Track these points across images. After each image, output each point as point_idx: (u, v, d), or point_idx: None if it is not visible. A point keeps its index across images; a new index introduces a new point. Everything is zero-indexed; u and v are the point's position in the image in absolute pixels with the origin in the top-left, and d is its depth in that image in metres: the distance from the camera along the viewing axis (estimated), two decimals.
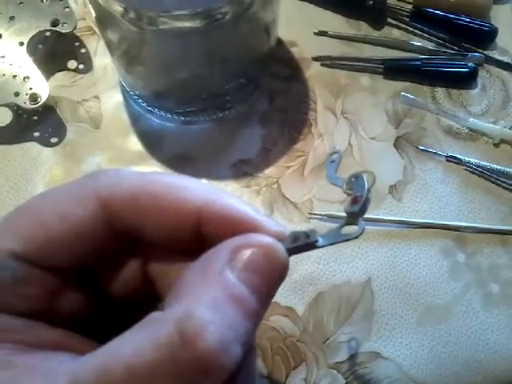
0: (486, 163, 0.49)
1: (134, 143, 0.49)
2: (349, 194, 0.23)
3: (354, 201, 0.22)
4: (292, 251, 0.21)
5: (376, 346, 0.43)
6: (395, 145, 0.50)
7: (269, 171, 0.48)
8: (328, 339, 0.43)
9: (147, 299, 0.24)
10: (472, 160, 0.49)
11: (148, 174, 0.22)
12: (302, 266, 0.44)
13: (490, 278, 0.45)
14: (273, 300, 0.43)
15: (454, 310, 0.44)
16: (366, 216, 0.46)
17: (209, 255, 0.20)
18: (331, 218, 0.45)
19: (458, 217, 0.47)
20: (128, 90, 0.49)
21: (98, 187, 0.21)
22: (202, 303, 0.18)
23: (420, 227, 0.47)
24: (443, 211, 0.47)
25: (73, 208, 0.21)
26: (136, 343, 0.17)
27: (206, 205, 0.21)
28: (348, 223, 0.22)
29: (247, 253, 0.19)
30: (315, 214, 0.46)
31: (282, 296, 0.44)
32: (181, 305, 0.18)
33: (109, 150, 0.49)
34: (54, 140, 0.49)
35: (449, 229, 0.47)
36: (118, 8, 0.37)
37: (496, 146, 0.51)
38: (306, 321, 0.43)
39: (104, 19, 0.40)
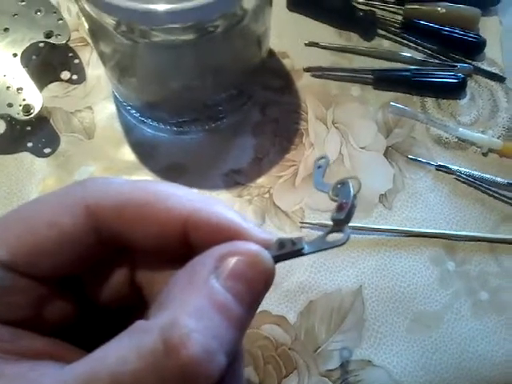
0: (475, 172, 0.50)
1: (127, 153, 0.49)
2: (335, 201, 0.23)
3: (340, 208, 0.22)
4: (278, 258, 0.21)
5: (367, 354, 0.43)
6: (385, 154, 0.50)
7: (261, 181, 0.49)
8: (319, 347, 0.43)
9: (135, 306, 0.24)
10: (461, 169, 0.50)
11: (136, 181, 0.22)
12: (293, 274, 0.45)
13: (479, 285, 0.46)
14: (264, 309, 0.44)
15: (444, 317, 0.44)
16: (356, 225, 0.47)
17: (194, 263, 0.20)
18: (322, 226, 0.46)
19: (447, 225, 0.48)
20: (121, 100, 0.50)
21: (86, 195, 0.21)
22: (187, 311, 0.18)
23: (410, 235, 0.47)
24: (433, 220, 0.48)
25: (60, 216, 0.21)
26: (121, 351, 0.17)
27: (193, 213, 0.21)
28: (334, 230, 0.22)
29: (233, 261, 0.19)
30: (306, 223, 0.47)
31: (273, 305, 0.44)
32: (165, 313, 0.18)
33: (102, 161, 0.49)
34: (47, 150, 0.49)
35: (439, 237, 0.47)
36: (110, 21, 0.38)
37: (484, 155, 0.51)
38: (297, 329, 0.43)
39: (96, 31, 0.41)
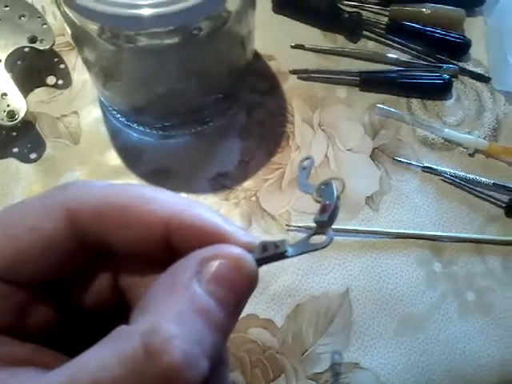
0: (461, 173, 0.50)
1: (113, 158, 0.49)
2: (319, 202, 0.23)
3: (323, 209, 0.22)
4: (261, 261, 0.21)
5: (354, 357, 0.43)
6: (372, 156, 0.51)
7: (247, 184, 0.49)
8: (307, 350, 0.43)
9: (120, 311, 0.24)
10: (447, 170, 0.50)
11: (117, 185, 0.22)
12: (280, 277, 0.45)
13: (465, 286, 0.46)
14: (252, 312, 0.44)
15: (431, 318, 0.45)
16: (343, 227, 0.47)
17: (176, 267, 0.20)
18: (309, 229, 0.46)
19: (434, 226, 0.48)
20: (107, 105, 0.50)
21: (67, 199, 0.21)
22: (168, 317, 0.18)
23: (397, 237, 0.47)
24: (419, 221, 0.48)
25: (41, 220, 0.21)
26: (102, 358, 0.17)
27: (175, 216, 0.21)
28: (317, 232, 0.22)
29: (215, 264, 0.19)
30: (293, 226, 0.47)
31: (260, 308, 0.44)
32: (147, 318, 0.18)
33: (88, 165, 0.49)
34: (33, 156, 0.49)
35: (425, 238, 0.47)
36: (93, 27, 0.37)
37: (471, 155, 0.51)
38: (284, 333, 0.43)
39: (80, 37, 0.41)
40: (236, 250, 0.20)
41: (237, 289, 0.19)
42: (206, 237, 0.21)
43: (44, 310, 0.22)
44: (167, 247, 0.21)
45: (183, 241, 0.21)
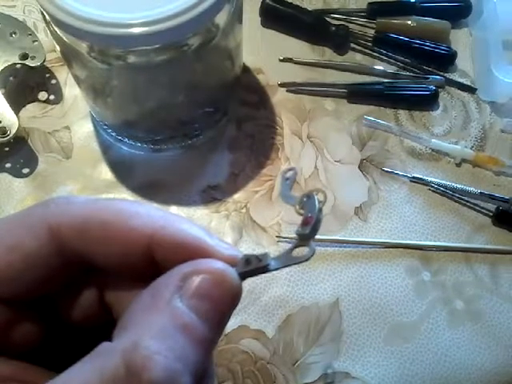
0: (448, 183, 0.50)
1: (105, 172, 0.50)
2: (301, 214, 0.22)
3: (305, 222, 0.22)
4: (244, 275, 0.21)
5: (345, 366, 0.43)
6: (360, 167, 0.51)
7: (237, 196, 0.49)
8: (298, 361, 0.43)
9: (108, 326, 0.23)
10: (435, 180, 0.50)
11: (99, 200, 0.22)
12: (271, 289, 0.45)
13: (454, 295, 0.46)
14: (243, 323, 0.44)
15: (421, 327, 0.45)
16: (332, 237, 0.47)
17: (158, 283, 0.20)
18: None
19: (422, 236, 0.49)
20: (98, 119, 0.50)
21: (48, 215, 0.21)
22: (150, 333, 0.18)
23: (386, 247, 0.48)
24: (408, 231, 0.49)
25: (22, 238, 0.20)
26: (84, 375, 0.17)
27: (157, 231, 0.21)
28: (299, 245, 0.22)
29: (197, 280, 0.19)
30: (283, 237, 0.47)
31: (252, 319, 0.44)
32: (129, 335, 0.18)
33: (80, 180, 0.49)
34: (25, 171, 0.49)
35: (414, 248, 0.48)
36: (83, 45, 0.38)
37: (458, 165, 0.52)
38: (276, 343, 0.44)
39: (69, 55, 0.41)
40: (218, 265, 0.20)
41: (219, 303, 0.19)
42: (189, 251, 0.20)
43: (29, 327, 0.22)
44: (151, 262, 0.21)
45: (166, 256, 0.21)
